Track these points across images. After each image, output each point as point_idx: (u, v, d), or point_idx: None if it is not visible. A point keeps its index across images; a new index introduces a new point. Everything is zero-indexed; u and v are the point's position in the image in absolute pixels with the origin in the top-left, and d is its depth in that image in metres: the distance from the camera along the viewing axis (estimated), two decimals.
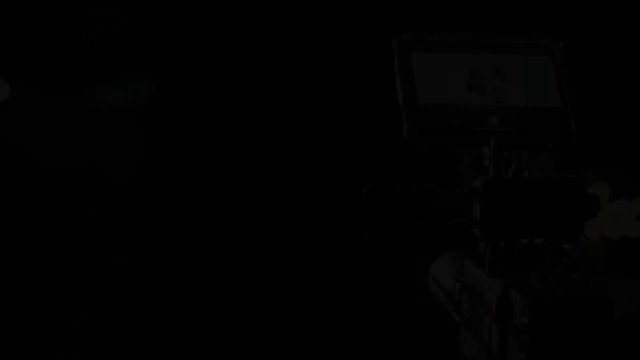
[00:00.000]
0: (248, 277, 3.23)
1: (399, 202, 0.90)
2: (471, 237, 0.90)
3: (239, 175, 3.19)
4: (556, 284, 0.82)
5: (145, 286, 3.05)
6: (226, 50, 3.19)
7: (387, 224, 0.87)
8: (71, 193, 2.92)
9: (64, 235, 2.92)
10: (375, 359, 3.17)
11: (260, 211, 3.20)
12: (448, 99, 1.02)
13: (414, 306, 3.11)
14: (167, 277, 3.08)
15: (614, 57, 2.94)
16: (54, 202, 2.93)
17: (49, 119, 2.94)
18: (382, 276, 3.15)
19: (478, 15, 2.84)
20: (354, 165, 3.05)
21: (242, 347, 3.17)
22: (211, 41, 3.16)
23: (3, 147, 2.94)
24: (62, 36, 2.83)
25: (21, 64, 2.91)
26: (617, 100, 2.87)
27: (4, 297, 2.87)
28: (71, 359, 2.89)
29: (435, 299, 1.17)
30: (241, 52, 3.20)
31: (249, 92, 3.19)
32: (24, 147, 2.94)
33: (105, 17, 2.89)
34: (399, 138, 1.01)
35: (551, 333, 0.79)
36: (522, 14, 2.77)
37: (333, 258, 3.06)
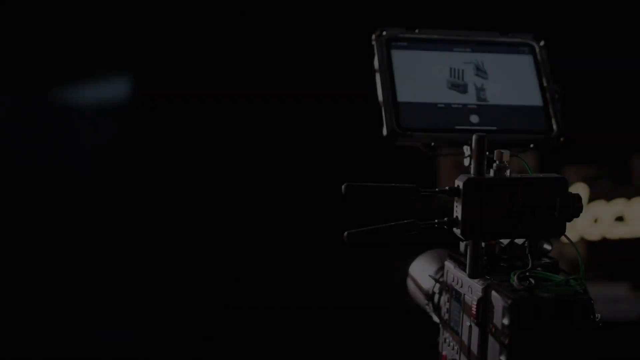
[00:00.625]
0: (230, 275, 3.21)
1: (379, 201, 0.88)
2: (453, 238, 0.88)
3: (222, 174, 3.17)
4: (537, 285, 0.80)
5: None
6: (212, 49, 3.17)
7: (370, 224, 0.85)
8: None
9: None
10: None
11: (244, 209, 3.19)
12: (428, 97, 1.01)
13: (392, 307, 3.12)
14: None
15: (593, 58, 2.95)
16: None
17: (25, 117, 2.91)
18: (361, 276, 3.14)
19: (459, 13, 2.84)
20: (340, 163, 3.05)
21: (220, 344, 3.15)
22: (193, 36, 3.13)
23: None
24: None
25: None
26: (596, 102, 2.88)
27: None
28: None
29: (414, 299, 1.16)
30: (227, 51, 3.18)
31: (233, 91, 3.17)
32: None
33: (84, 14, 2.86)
34: (379, 136, 1.00)
35: (532, 334, 0.78)
36: (504, 12, 2.77)
37: (314, 257, 3.04)
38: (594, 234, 2.92)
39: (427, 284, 1.08)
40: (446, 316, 0.98)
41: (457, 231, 0.84)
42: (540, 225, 0.84)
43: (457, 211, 0.84)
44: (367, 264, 3.12)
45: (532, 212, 0.83)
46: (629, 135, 2.94)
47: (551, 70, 1.06)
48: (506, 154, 0.85)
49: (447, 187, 0.85)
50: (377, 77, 1.01)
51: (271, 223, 3.17)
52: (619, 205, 2.90)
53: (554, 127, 1.02)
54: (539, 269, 0.86)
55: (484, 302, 0.84)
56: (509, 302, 0.79)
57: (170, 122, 3.10)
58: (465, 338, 0.89)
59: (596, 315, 0.79)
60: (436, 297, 1.04)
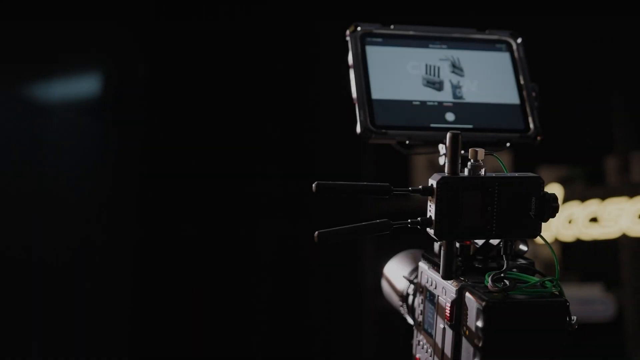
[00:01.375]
0: (204, 275, 3.19)
1: (351, 200, 0.87)
2: (428, 238, 0.86)
3: (194, 173, 3.15)
4: (512, 286, 0.78)
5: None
6: (187, 51, 3.15)
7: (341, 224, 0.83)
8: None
9: None
10: None
11: (220, 207, 3.17)
12: (403, 94, 1.00)
13: (365, 308, 3.11)
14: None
15: (566, 58, 2.95)
16: None
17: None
18: (334, 276, 3.13)
19: (436, 9, 2.84)
20: (318, 162, 3.04)
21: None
22: (168, 33, 3.11)
23: None
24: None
25: None
26: (570, 102, 2.88)
27: None
28: None
29: (388, 300, 1.14)
30: (198, 43, 3.16)
31: (204, 92, 3.15)
32: None
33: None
34: (353, 134, 0.99)
35: (506, 337, 0.77)
36: (481, 9, 2.76)
37: (286, 257, 3.03)
38: (568, 235, 2.93)
39: (402, 285, 1.07)
40: (420, 318, 0.96)
41: (430, 231, 0.82)
42: (515, 226, 0.82)
43: (431, 211, 0.82)
44: (339, 263, 3.11)
45: (507, 212, 0.81)
46: (603, 135, 2.94)
47: (528, 68, 1.04)
48: (481, 152, 0.83)
49: (420, 187, 0.83)
50: (351, 73, 1.00)
51: (247, 220, 3.15)
52: (593, 205, 2.90)
53: (531, 125, 1.01)
54: (514, 270, 0.84)
55: (458, 304, 0.82)
56: (483, 304, 0.77)
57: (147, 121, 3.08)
58: (439, 340, 0.87)
59: (572, 318, 0.78)
60: (410, 298, 1.03)
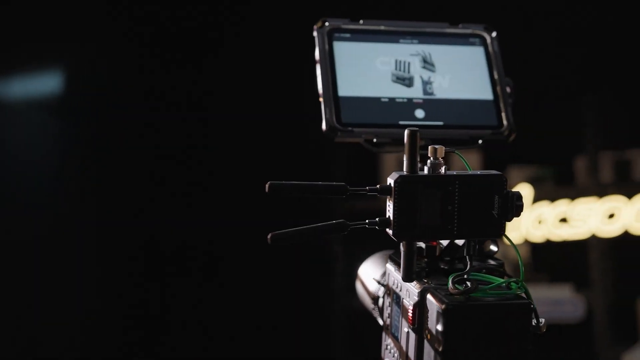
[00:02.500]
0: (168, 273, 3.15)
1: (305, 199, 0.84)
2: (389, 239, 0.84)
3: (154, 173, 3.11)
4: (474, 288, 0.76)
5: None
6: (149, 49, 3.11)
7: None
8: None
9: None
10: None
11: (180, 206, 3.13)
12: (371, 91, 0.97)
13: (337, 310, 3.09)
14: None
15: (537, 58, 2.95)
16: None
17: None
18: (306, 278, 3.10)
19: (407, 3, 2.81)
20: (280, 162, 3.00)
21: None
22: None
23: None
24: None
25: None
26: (540, 102, 2.88)
27: None
28: None
29: (362, 302, 1.12)
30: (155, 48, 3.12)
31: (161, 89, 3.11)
32: None
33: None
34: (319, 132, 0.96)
35: (467, 341, 0.74)
36: (454, 2, 2.74)
37: (256, 258, 2.99)
38: (537, 236, 2.92)
39: (373, 287, 1.04)
40: (388, 321, 0.94)
41: (389, 232, 0.79)
42: (478, 226, 0.79)
43: (389, 210, 0.79)
44: (311, 264, 3.09)
45: (468, 211, 0.79)
46: (573, 135, 2.94)
47: (503, 62, 1.02)
48: (440, 149, 0.80)
49: (378, 186, 0.80)
50: (318, 69, 0.97)
51: (213, 220, 3.11)
52: (563, 206, 2.90)
53: (504, 122, 0.98)
54: (483, 270, 0.82)
55: (420, 307, 0.80)
56: (443, 306, 0.74)
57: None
58: (403, 344, 0.85)
59: (540, 320, 0.76)
60: (381, 300, 1.00)
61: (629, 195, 2.86)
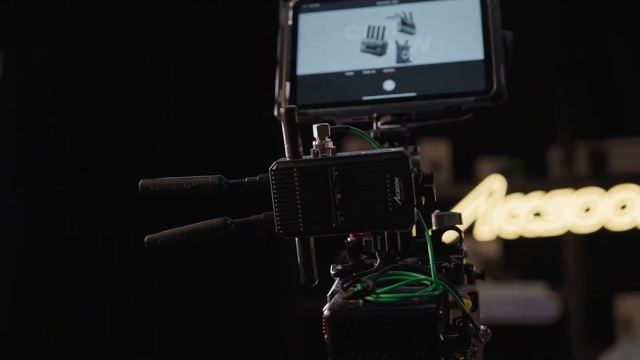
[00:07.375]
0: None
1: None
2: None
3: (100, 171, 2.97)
4: (363, 292, 0.67)
5: None
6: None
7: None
8: None
9: None
10: None
11: (134, 205, 2.98)
12: (334, 66, 0.90)
13: (290, 313, 3.01)
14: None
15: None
16: None
17: None
18: (261, 279, 2.99)
19: None
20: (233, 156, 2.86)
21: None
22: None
23: None
24: None
25: None
26: (511, 91, 2.75)
27: None
28: None
29: None
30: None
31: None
32: None
33: None
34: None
35: (354, 353, 0.67)
36: None
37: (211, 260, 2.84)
38: (510, 232, 2.82)
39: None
40: None
41: (277, 229, 0.71)
42: (376, 216, 0.68)
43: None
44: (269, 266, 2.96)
45: (361, 199, 0.68)
46: (546, 125, 2.85)
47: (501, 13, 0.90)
48: (324, 127, 0.69)
49: (257, 176, 0.72)
50: (278, 47, 0.91)
51: (163, 218, 2.94)
52: (537, 199, 2.80)
53: (494, 84, 0.86)
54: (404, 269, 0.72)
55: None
56: (327, 315, 0.67)
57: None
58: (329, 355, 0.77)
59: (478, 327, 0.69)
60: None
61: (606, 187, 2.77)
